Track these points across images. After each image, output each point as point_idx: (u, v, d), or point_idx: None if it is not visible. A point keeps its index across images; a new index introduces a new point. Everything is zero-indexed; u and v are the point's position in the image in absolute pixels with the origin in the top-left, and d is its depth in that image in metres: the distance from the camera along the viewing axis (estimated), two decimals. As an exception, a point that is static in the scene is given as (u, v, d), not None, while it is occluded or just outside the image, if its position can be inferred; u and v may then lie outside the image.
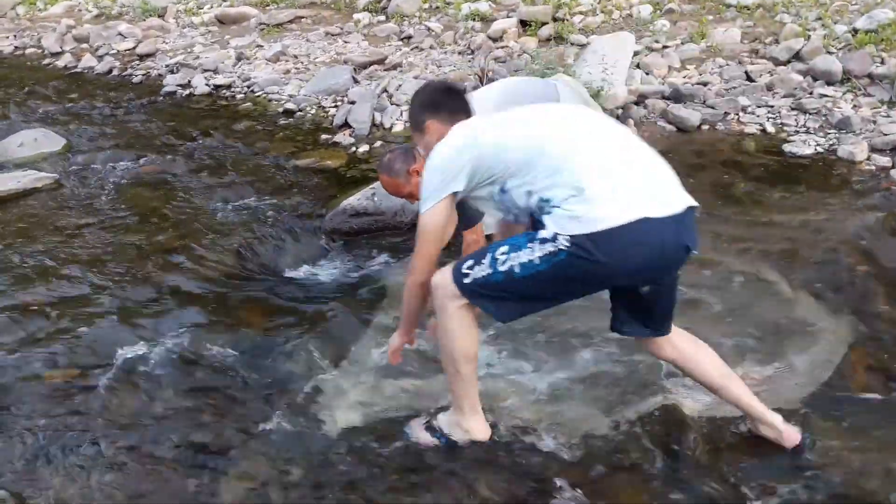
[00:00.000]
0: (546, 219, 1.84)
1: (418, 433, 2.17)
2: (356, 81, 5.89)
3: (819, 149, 4.41)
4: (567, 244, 1.78)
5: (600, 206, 1.77)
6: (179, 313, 2.93)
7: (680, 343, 2.04)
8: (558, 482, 2.01)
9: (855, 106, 4.81)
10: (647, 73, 5.40)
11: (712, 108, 4.93)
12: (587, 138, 1.90)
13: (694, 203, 1.86)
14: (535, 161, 1.85)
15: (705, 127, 4.79)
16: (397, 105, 5.27)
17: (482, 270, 1.90)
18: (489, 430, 2.12)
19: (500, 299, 1.93)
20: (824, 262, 3.16)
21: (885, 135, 4.35)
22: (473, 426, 2.10)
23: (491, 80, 4.82)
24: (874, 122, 4.59)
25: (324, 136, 5.05)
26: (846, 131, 4.56)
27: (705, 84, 5.26)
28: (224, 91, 6.27)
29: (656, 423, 2.19)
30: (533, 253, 1.83)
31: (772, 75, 5.27)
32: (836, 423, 2.18)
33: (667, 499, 1.95)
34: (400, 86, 5.56)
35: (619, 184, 1.80)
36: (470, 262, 1.95)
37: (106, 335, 2.78)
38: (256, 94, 6.06)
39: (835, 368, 2.44)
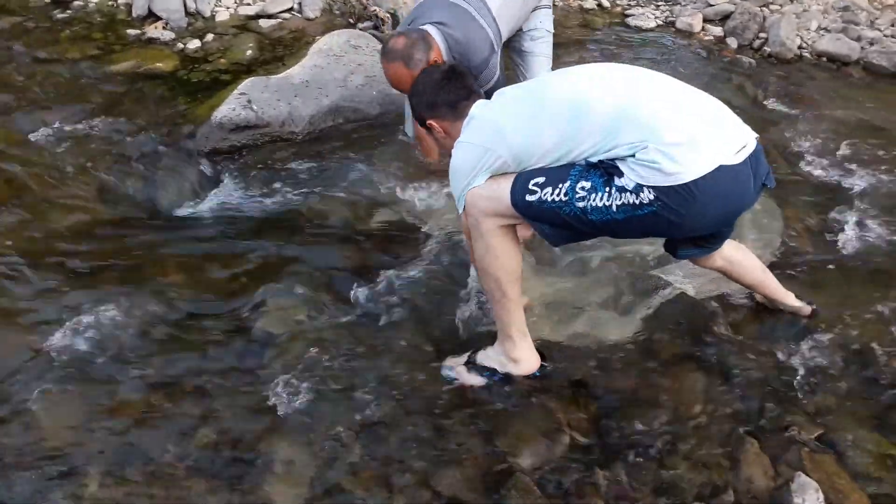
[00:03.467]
0: (622, 165, 1.67)
1: (464, 375, 1.95)
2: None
3: (659, 21, 4.65)
4: (652, 197, 1.64)
5: (680, 156, 1.63)
6: (73, 289, 2.20)
7: (727, 252, 2.04)
8: (612, 393, 1.98)
9: (672, -23, 5.10)
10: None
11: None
12: (639, 89, 1.75)
13: (755, 134, 1.79)
14: (585, 138, 1.70)
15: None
16: (216, -14, 4.38)
17: (556, 195, 1.72)
18: (538, 358, 1.98)
19: (561, 227, 1.77)
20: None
21: (712, 5, 4.70)
22: (523, 355, 1.95)
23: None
24: (694, -9, 4.92)
25: (130, 32, 4.06)
26: (673, 3, 4.86)
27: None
28: (-52, -24, 4.66)
29: (674, 312, 2.22)
30: (610, 199, 1.68)
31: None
32: (809, 287, 2.39)
33: (714, 377, 2.00)
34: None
35: (692, 132, 1.66)
36: (541, 180, 1.73)
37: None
38: (3, -20, 4.60)
39: (780, 238, 2.64)
